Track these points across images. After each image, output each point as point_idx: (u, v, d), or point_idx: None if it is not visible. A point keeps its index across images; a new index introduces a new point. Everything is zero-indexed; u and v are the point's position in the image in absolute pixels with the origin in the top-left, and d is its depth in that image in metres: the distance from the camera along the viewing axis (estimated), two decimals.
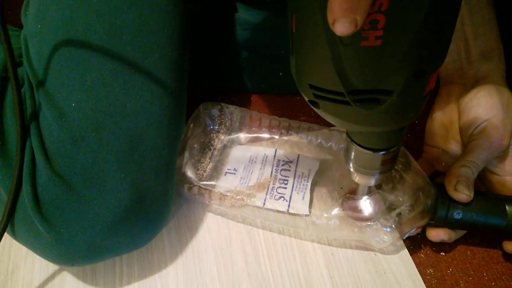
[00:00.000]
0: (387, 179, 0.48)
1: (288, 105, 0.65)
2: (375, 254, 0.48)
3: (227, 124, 0.57)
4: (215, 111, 0.56)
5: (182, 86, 0.47)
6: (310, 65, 0.30)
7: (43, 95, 0.40)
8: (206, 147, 0.55)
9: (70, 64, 0.40)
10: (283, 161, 0.53)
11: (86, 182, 0.38)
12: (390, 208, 0.47)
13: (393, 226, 0.46)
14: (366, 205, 0.47)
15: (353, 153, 0.39)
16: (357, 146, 0.38)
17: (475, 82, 0.49)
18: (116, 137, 0.39)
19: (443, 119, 0.51)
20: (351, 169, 0.41)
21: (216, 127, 0.57)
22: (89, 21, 0.41)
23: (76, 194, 0.38)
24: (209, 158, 0.54)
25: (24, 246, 0.42)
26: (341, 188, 0.52)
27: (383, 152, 0.37)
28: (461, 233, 0.48)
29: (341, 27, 0.23)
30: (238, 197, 0.49)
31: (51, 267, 0.47)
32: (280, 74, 0.63)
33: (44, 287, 0.46)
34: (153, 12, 0.43)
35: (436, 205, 0.45)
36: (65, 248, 0.39)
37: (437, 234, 0.46)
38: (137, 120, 0.40)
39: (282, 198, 0.49)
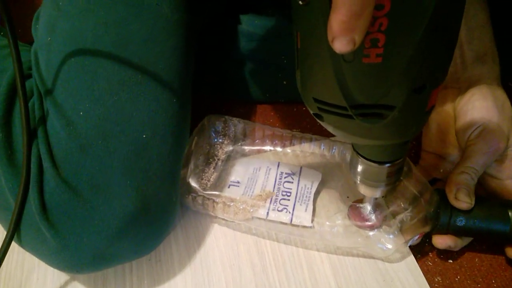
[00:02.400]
0: None
1: (294, 115, 0.66)
2: (382, 263, 0.49)
3: (231, 136, 0.58)
4: (219, 124, 0.58)
5: (187, 96, 0.48)
6: (314, 80, 0.31)
7: (51, 104, 0.42)
8: (210, 157, 0.57)
9: (78, 74, 0.42)
10: (286, 173, 0.55)
11: (93, 189, 0.40)
12: (392, 215, 0.48)
13: (396, 232, 0.47)
14: (371, 213, 0.49)
15: (358, 166, 0.41)
16: (363, 159, 0.39)
17: (469, 86, 0.50)
18: (122, 145, 0.41)
19: (439, 124, 0.52)
20: (357, 181, 0.43)
21: (221, 140, 0.58)
22: (97, 32, 0.43)
23: (83, 200, 0.39)
24: (213, 168, 0.55)
25: (30, 253, 0.43)
26: (347, 197, 0.53)
27: (388, 165, 0.39)
28: (467, 240, 0.49)
29: (340, 45, 0.24)
30: (241, 207, 0.50)
31: (63, 279, 0.49)
32: (284, 82, 0.65)
33: None
34: (159, 23, 0.45)
35: (439, 212, 0.46)
36: (71, 254, 0.40)
37: (443, 241, 0.47)
38: (143, 129, 0.42)
39: (285, 210, 0.50)
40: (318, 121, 0.35)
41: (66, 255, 0.40)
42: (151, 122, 0.42)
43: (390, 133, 0.32)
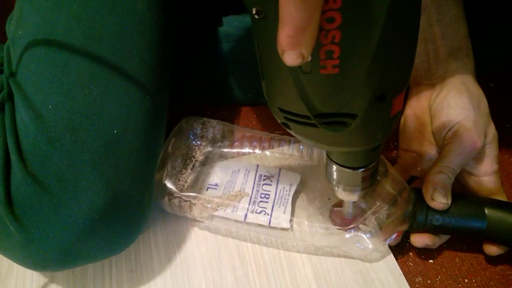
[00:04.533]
0: None
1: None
2: (363, 264, 0.50)
3: (209, 137, 0.59)
4: (197, 125, 0.59)
5: (163, 93, 0.49)
6: (277, 90, 0.32)
7: (21, 97, 0.42)
8: (187, 159, 0.57)
9: (48, 67, 0.42)
10: (265, 176, 0.55)
11: (60, 183, 0.40)
12: (369, 213, 0.49)
13: (373, 231, 0.48)
14: (351, 216, 0.50)
15: (333, 172, 0.42)
16: (337, 165, 0.40)
17: (444, 82, 0.50)
18: (92, 139, 0.41)
19: (415, 122, 0.53)
20: (334, 187, 0.44)
21: (199, 142, 0.59)
22: (68, 25, 0.43)
23: (49, 194, 0.40)
24: (191, 170, 0.56)
25: None
26: (329, 199, 0.54)
27: (362, 169, 0.40)
28: (445, 238, 0.50)
29: (289, 59, 0.25)
30: (219, 208, 0.51)
31: (42, 284, 0.49)
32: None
33: None
34: (133, 18, 0.45)
35: (415, 211, 0.47)
36: (36, 250, 0.40)
37: (421, 240, 0.48)
38: (114, 123, 0.42)
39: (264, 212, 0.51)
40: (287, 129, 0.36)
41: (31, 250, 0.40)
42: (123, 117, 0.43)
43: (356, 140, 0.33)
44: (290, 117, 0.33)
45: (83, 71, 0.42)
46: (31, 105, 0.41)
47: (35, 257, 0.41)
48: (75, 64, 0.42)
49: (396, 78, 0.30)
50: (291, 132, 0.35)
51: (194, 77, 0.67)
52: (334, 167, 0.41)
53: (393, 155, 0.60)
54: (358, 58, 0.26)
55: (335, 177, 0.42)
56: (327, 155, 0.41)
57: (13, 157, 0.41)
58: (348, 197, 0.44)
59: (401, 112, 0.33)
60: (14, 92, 0.43)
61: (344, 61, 0.27)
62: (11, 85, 0.44)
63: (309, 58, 0.25)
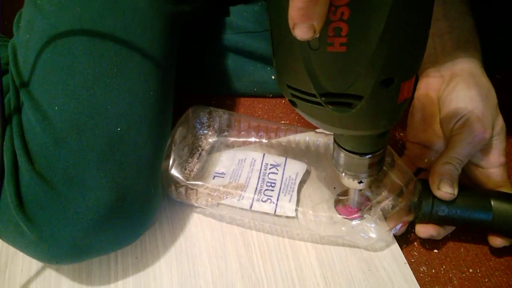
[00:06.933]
0: None
1: (282, 107, 0.68)
2: (367, 252, 0.51)
3: (216, 127, 0.60)
4: (204, 115, 0.60)
5: (166, 88, 0.50)
6: (286, 67, 0.33)
7: (27, 100, 0.44)
8: (194, 148, 0.59)
9: (54, 70, 0.44)
10: (271, 164, 0.57)
11: (67, 182, 0.41)
12: (374, 203, 0.50)
13: (378, 221, 0.49)
14: (357, 205, 0.51)
15: (340, 158, 0.43)
16: (344, 151, 0.41)
17: (452, 74, 0.51)
18: (96, 138, 0.43)
19: (423, 114, 0.54)
20: (340, 174, 0.45)
21: (205, 131, 0.60)
22: (72, 28, 0.45)
23: (57, 193, 0.41)
24: (197, 159, 0.57)
25: (10, 245, 0.46)
26: (334, 188, 0.55)
27: (369, 156, 0.41)
28: (450, 229, 0.50)
29: (300, 32, 0.26)
30: (225, 197, 0.52)
31: (47, 269, 0.51)
32: (273, 77, 0.67)
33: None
34: (134, 17, 0.47)
35: (421, 201, 0.48)
36: (48, 247, 0.42)
37: (426, 230, 0.49)
38: (118, 121, 0.44)
39: (269, 200, 0.52)
40: (294, 107, 0.37)
41: (44, 247, 0.42)
42: (126, 115, 0.45)
43: (361, 123, 0.34)
44: (297, 94, 0.34)
45: (87, 72, 0.44)
46: (38, 107, 0.43)
47: (48, 253, 0.42)
48: (79, 66, 0.44)
49: (404, 63, 0.30)
50: (298, 111, 0.37)
51: (200, 69, 0.68)
52: (341, 153, 0.42)
53: (399, 145, 0.61)
54: (365, 37, 0.27)
55: (341, 163, 0.43)
56: (335, 140, 0.42)
57: (21, 158, 0.42)
58: (354, 185, 0.45)
59: (409, 100, 0.34)
60: (20, 94, 0.45)
61: (352, 39, 0.28)
62: (18, 88, 0.46)
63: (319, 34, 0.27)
